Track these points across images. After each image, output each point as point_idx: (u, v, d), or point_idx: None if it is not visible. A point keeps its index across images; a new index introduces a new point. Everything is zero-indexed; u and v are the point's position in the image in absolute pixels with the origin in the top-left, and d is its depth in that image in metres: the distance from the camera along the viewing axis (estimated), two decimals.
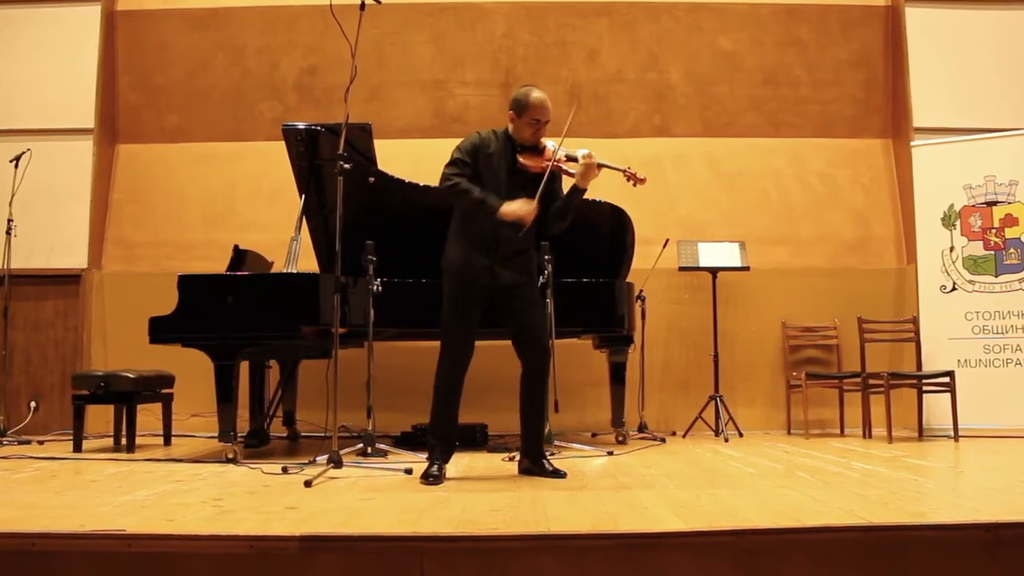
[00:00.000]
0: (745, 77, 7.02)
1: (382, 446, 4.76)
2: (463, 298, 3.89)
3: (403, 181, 5.24)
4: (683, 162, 6.94)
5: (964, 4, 6.83)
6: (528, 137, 3.90)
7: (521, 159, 3.88)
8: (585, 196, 5.47)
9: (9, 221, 6.03)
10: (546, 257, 4.77)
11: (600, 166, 3.87)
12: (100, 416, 5.81)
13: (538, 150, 3.91)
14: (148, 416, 5.62)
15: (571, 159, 3.88)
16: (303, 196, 5.14)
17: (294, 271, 4.92)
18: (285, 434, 5.89)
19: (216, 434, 4.65)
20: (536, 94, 3.86)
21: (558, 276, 4.90)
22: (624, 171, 3.96)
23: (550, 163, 3.84)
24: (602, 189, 5.95)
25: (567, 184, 3.96)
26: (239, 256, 5.18)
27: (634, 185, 3.99)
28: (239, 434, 4.71)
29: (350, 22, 4.02)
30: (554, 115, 3.90)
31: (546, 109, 3.87)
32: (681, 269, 6.41)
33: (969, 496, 3.29)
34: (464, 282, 3.89)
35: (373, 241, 4.68)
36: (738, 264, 6.40)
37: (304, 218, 5.15)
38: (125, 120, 6.97)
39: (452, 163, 3.89)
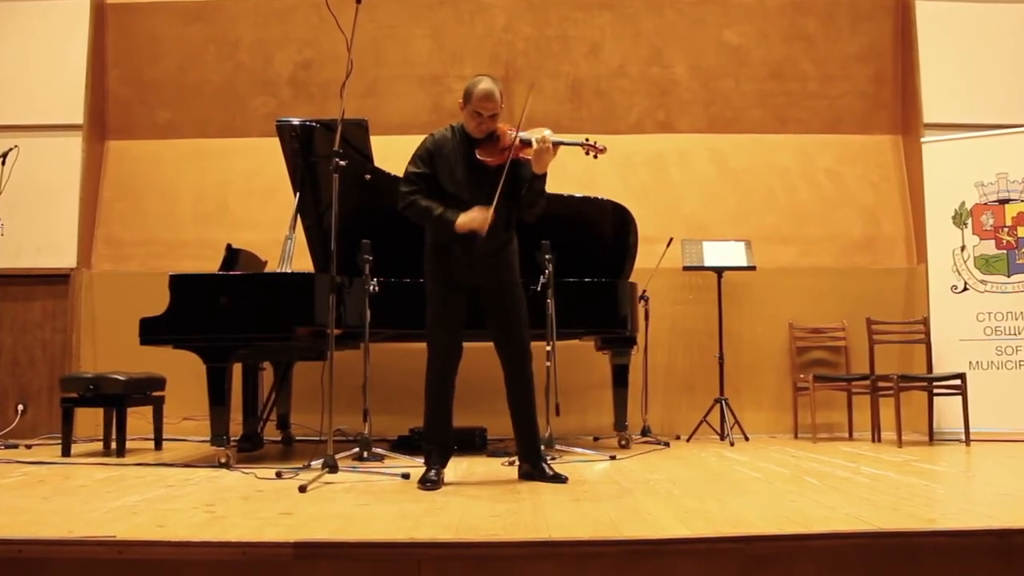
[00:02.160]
0: (751, 72, 6.92)
1: (378, 450, 4.72)
2: (444, 299, 3.82)
3: (400, 178, 5.15)
4: (687, 159, 6.85)
5: None
6: (473, 129, 3.77)
7: (478, 153, 3.75)
8: (587, 194, 5.51)
9: None
10: (546, 257, 4.69)
11: (555, 146, 3.71)
12: (89, 419, 5.73)
13: (495, 139, 3.77)
14: (139, 419, 5.54)
15: (527, 144, 3.73)
16: (297, 194, 5.09)
17: (288, 271, 4.87)
18: (279, 438, 5.82)
19: (208, 438, 4.61)
20: (483, 85, 3.71)
21: (559, 276, 4.82)
22: (582, 144, 3.80)
23: (508, 153, 3.71)
24: (604, 187, 5.89)
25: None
26: (232, 255, 5.12)
27: (595, 157, 3.84)
28: (232, 438, 4.69)
29: (346, 15, 3.95)
30: (514, 102, 3.75)
31: (492, 102, 3.70)
32: (685, 269, 6.30)
33: (981, 501, 3.28)
34: (443, 283, 3.81)
35: (369, 240, 4.61)
36: (744, 263, 6.29)
37: (299, 216, 5.09)
38: (115, 116, 6.87)
39: (406, 179, 3.83)
